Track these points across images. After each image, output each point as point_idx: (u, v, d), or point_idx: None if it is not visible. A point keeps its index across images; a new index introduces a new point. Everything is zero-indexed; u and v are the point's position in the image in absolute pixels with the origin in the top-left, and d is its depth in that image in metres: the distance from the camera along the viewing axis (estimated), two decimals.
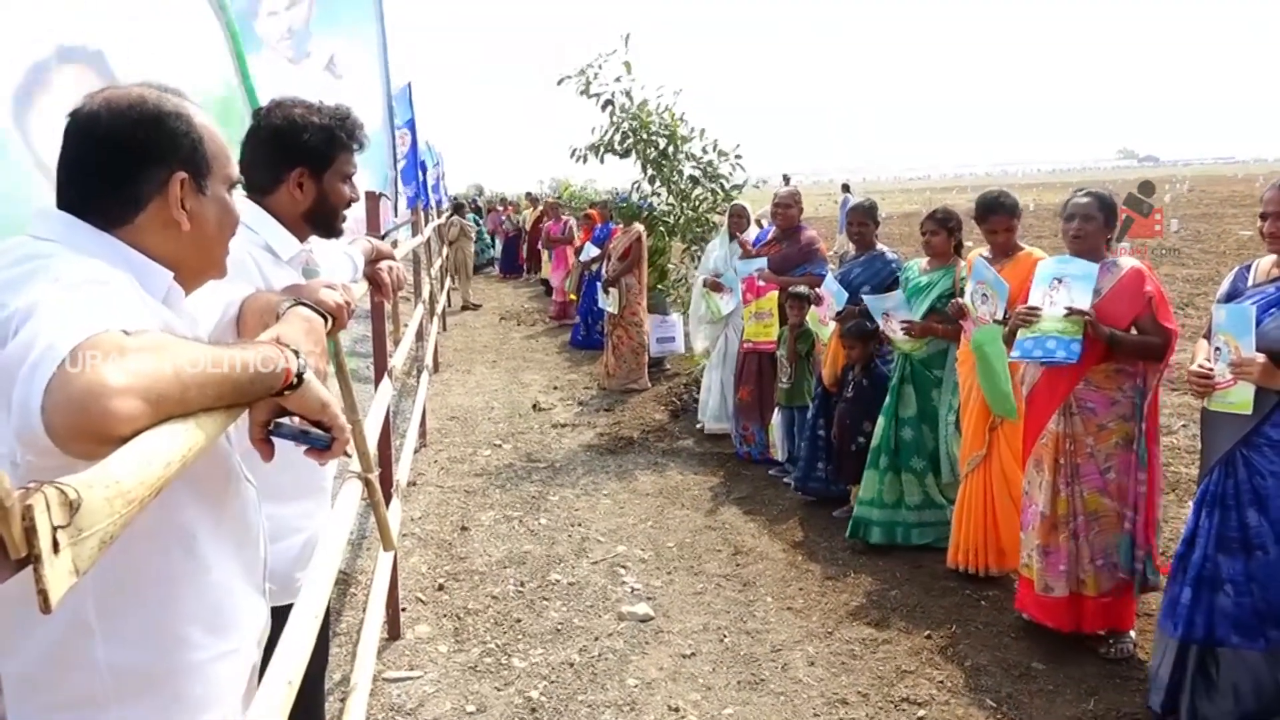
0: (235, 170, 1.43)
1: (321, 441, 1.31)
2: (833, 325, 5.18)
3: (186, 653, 1.27)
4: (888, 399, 4.74)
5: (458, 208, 16.51)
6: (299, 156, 2.09)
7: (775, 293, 6.03)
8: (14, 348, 1.01)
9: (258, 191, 2.11)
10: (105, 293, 1.11)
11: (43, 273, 1.12)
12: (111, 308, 1.07)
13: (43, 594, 0.71)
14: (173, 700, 1.26)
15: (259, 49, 3.04)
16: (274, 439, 1.30)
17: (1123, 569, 3.54)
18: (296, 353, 1.24)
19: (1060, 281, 3.49)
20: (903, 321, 4.56)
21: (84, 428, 0.91)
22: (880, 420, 4.72)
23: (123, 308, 1.10)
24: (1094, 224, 3.52)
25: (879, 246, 5.36)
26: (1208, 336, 3.06)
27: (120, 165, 1.27)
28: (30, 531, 0.69)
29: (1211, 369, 2.92)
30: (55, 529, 0.72)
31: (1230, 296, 3.06)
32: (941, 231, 4.61)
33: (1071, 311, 3.39)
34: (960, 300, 4.19)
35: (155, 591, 1.24)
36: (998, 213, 4.15)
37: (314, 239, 2.28)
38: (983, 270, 4.03)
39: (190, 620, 1.28)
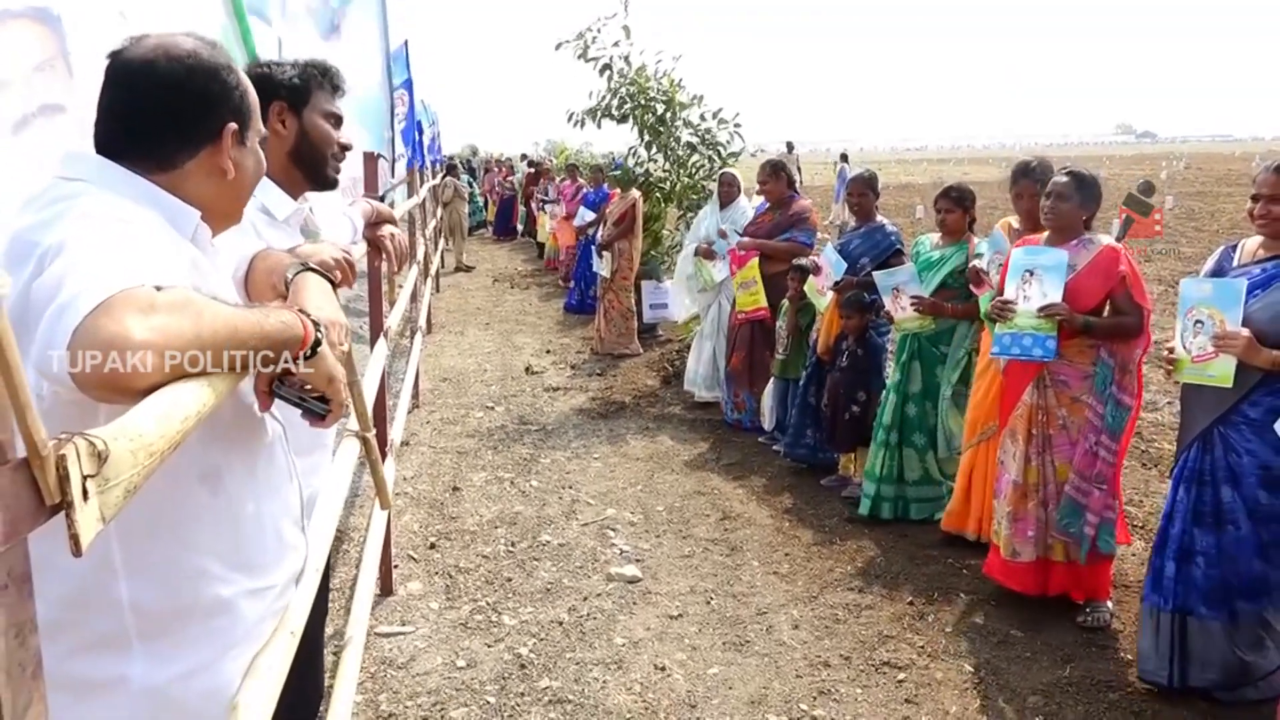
0: (262, 124, 1.48)
1: (318, 410, 1.36)
2: (830, 295, 5.20)
3: (208, 587, 1.30)
4: (896, 375, 4.72)
5: (451, 169, 16.43)
6: (274, 92, 2.09)
7: (755, 260, 6.07)
8: (43, 283, 1.05)
9: None
10: (133, 232, 1.15)
11: (71, 210, 1.16)
12: (141, 253, 1.11)
13: (74, 538, 0.75)
14: (197, 637, 1.29)
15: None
16: (275, 396, 1.34)
17: (1064, 533, 3.60)
18: (317, 324, 1.28)
19: (1031, 274, 3.54)
20: (913, 297, 4.53)
21: (105, 378, 0.96)
22: (890, 397, 4.70)
23: (150, 248, 1.14)
24: (1069, 203, 3.56)
25: (879, 218, 5.36)
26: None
27: (181, 112, 1.32)
28: (63, 479, 0.74)
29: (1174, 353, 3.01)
30: (85, 478, 0.76)
31: (1215, 275, 3.11)
32: (957, 209, 4.57)
33: (1046, 309, 3.45)
34: (976, 264, 4.19)
35: (178, 529, 1.27)
36: (1021, 180, 4.10)
37: (312, 199, 2.29)
38: (1000, 240, 4.05)
39: (211, 555, 1.31)
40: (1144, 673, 3.19)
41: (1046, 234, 3.69)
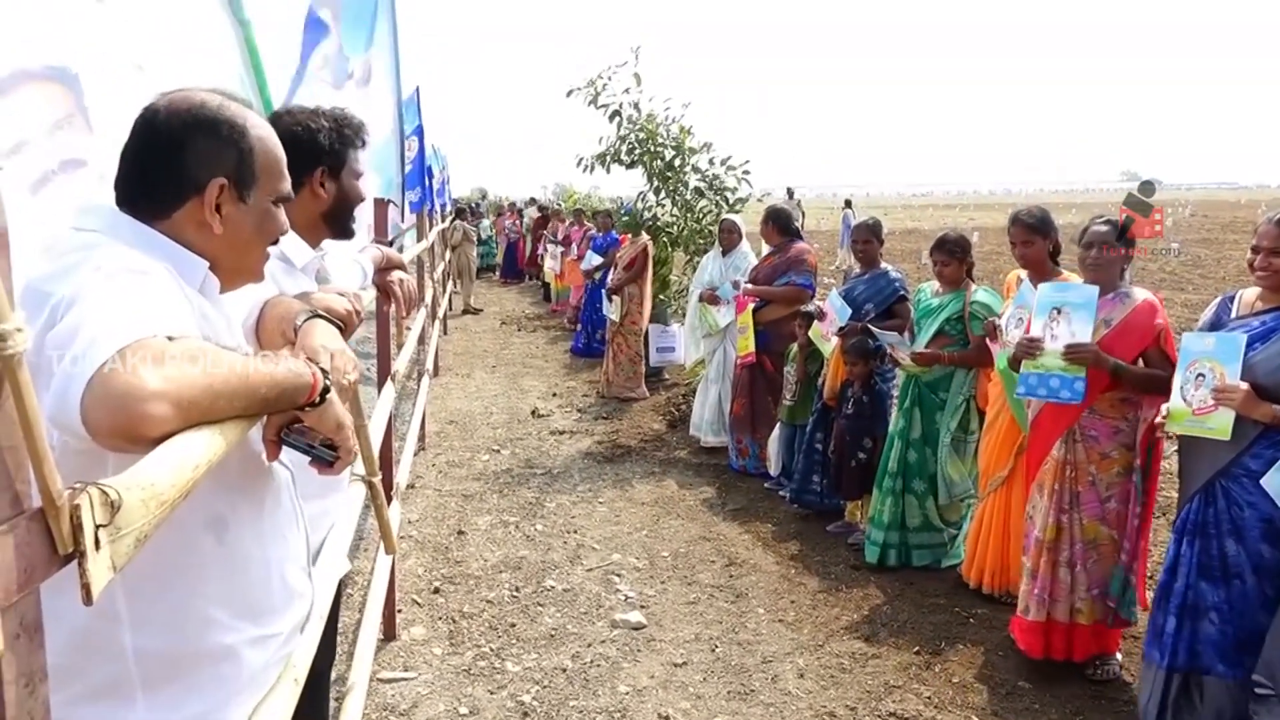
0: (287, 186, 1.49)
1: (326, 457, 1.37)
2: (835, 341, 5.23)
3: (214, 635, 1.31)
4: (899, 422, 4.73)
5: (459, 212, 16.59)
6: (318, 157, 2.14)
7: (750, 306, 6.21)
8: (57, 334, 1.07)
9: None
10: (145, 284, 1.17)
11: (85, 262, 1.19)
12: (153, 304, 1.13)
13: (85, 587, 0.77)
14: (201, 685, 1.29)
15: (306, 82, 3.10)
16: (284, 444, 1.35)
17: (1112, 598, 3.56)
18: (325, 371, 1.30)
19: (1060, 311, 3.46)
20: (911, 354, 4.57)
21: (118, 426, 0.98)
22: (895, 443, 4.71)
23: (162, 300, 1.16)
24: (1115, 253, 3.50)
25: (883, 264, 5.42)
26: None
27: (167, 162, 1.34)
28: (77, 529, 0.75)
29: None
30: (98, 527, 0.78)
31: (1213, 326, 3.10)
32: (952, 261, 4.60)
33: (1072, 349, 3.37)
34: (994, 320, 4.15)
35: (184, 577, 1.28)
36: (1013, 225, 4.08)
37: (326, 246, 2.33)
38: (1026, 295, 4.01)
39: (216, 603, 1.31)
40: None
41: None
